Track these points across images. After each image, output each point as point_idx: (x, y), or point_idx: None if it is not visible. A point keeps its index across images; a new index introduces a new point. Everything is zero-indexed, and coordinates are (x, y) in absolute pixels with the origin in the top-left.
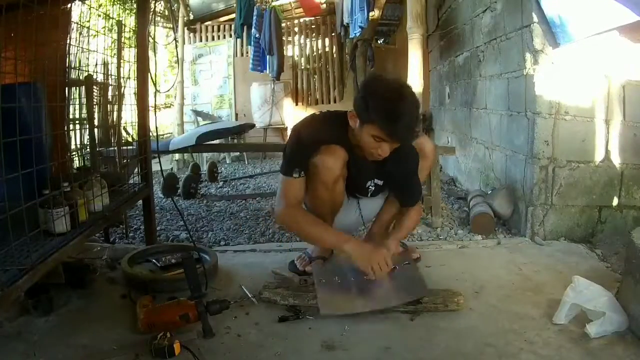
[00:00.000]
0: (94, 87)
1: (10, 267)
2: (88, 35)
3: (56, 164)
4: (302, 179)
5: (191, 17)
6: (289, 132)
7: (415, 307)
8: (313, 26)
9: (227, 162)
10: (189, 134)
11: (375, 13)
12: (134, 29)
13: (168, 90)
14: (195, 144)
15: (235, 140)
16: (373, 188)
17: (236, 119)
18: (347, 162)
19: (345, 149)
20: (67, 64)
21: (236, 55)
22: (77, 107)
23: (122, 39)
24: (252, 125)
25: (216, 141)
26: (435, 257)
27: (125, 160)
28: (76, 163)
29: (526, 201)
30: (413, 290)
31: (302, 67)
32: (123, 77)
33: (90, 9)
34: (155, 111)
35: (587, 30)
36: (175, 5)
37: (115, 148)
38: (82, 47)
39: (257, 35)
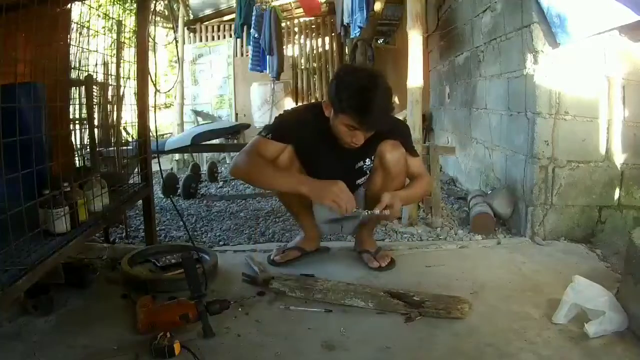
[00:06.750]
0: (94, 87)
1: (10, 267)
2: (88, 35)
3: (56, 164)
4: (269, 141)
5: (191, 16)
6: None
7: (415, 311)
8: (313, 26)
9: (227, 162)
10: (184, 134)
11: (377, 7)
12: (134, 29)
13: (168, 91)
14: (191, 144)
15: (235, 141)
16: (363, 164)
17: (236, 119)
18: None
19: (323, 135)
20: (67, 64)
21: (236, 55)
22: (77, 107)
23: (122, 39)
24: (247, 125)
25: (216, 141)
26: (435, 257)
27: (125, 160)
28: (76, 163)
29: (526, 201)
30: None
31: (302, 67)
32: (123, 77)
33: (90, 9)
34: (155, 111)
35: (587, 30)
36: (175, 5)
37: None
38: (82, 47)
39: (256, 35)
